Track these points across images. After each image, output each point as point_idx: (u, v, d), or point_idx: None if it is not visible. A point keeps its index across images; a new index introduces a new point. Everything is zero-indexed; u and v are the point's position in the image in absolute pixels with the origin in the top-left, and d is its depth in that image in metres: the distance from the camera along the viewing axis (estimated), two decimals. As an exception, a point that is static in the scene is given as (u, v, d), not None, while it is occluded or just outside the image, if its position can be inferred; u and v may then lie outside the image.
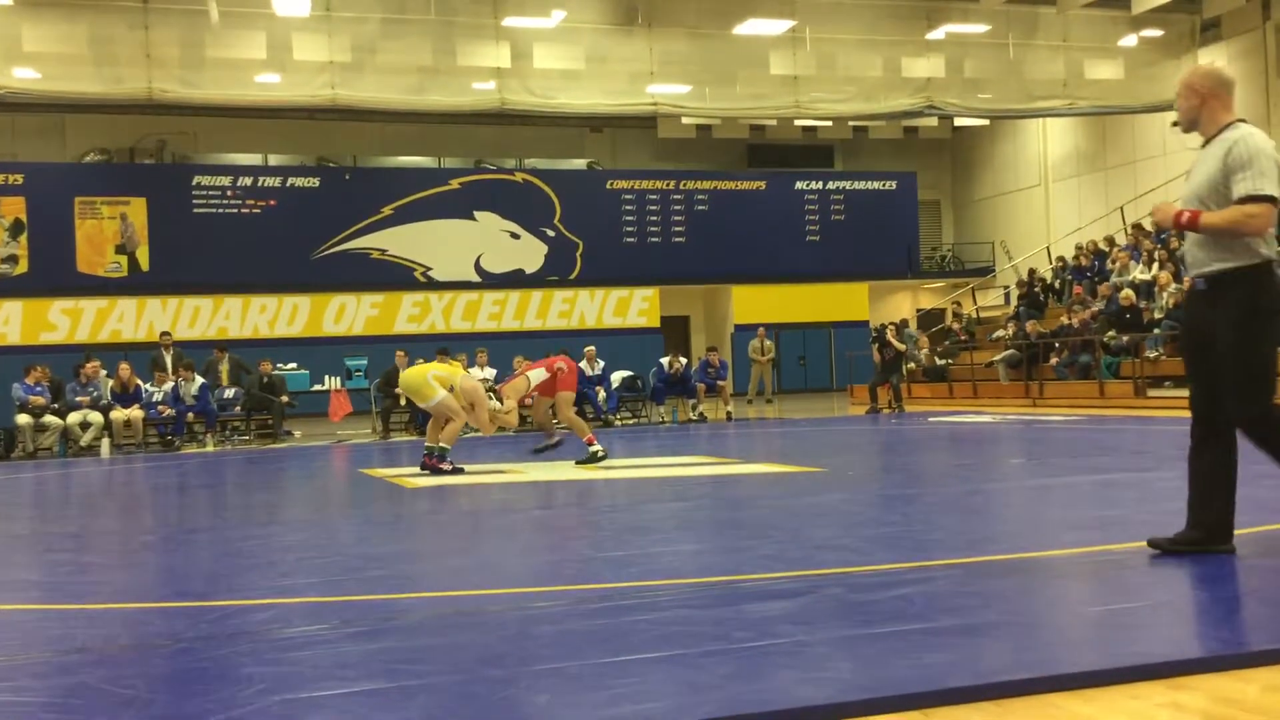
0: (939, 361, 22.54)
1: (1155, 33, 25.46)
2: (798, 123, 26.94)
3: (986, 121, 29.41)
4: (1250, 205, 4.27)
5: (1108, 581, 4.44)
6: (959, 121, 29.14)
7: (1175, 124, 4.82)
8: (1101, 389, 17.88)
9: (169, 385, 17.01)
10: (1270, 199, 4.27)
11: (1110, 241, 23.33)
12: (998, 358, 20.71)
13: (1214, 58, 25.82)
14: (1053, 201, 30.61)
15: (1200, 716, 2.76)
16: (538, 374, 10.94)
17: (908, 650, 3.39)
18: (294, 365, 19.79)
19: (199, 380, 17.30)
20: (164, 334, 19.69)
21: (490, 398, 10.74)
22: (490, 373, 18.34)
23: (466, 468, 10.29)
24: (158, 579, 5.53)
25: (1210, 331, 4.48)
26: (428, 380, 10.33)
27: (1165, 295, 18.38)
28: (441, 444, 10.13)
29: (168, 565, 5.92)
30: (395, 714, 2.91)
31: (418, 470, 10.16)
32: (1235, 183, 4.32)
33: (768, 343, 24.39)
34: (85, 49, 20.41)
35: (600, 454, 10.50)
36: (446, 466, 10.02)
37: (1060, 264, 24.38)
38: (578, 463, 10.45)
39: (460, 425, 10.35)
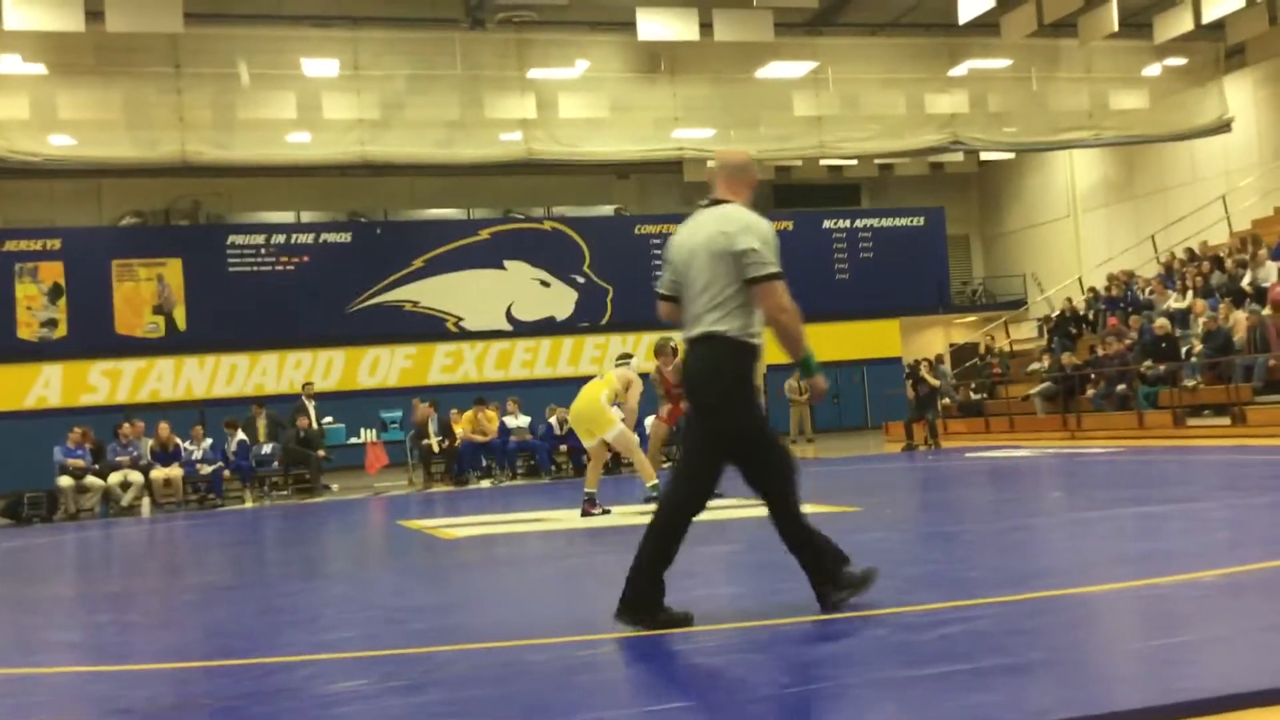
0: (974, 396, 22.38)
1: (1179, 61, 25.38)
2: (823, 162, 27.01)
3: (1012, 155, 29.36)
4: None
5: (1154, 616, 4.38)
6: (985, 156, 29.11)
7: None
8: (1140, 419, 17.69)
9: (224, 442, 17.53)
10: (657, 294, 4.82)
11: (1130, 275, 23.21)
12: (1033, 391, 20.55)
13: (1239, 85, 25.74)
14: (1083, 232, 30.45)
15: (1254, 752, 2.71)
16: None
17: (953, 691, 3.35)
18: (330, 419, 19.90)
19: (240, 436, 17.50)
20: (306, 384, 20.12)
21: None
22: (524, 420, 18.41)
23: (508, 516, 10.25)
24: (200, 637, 5.56)
25: None
26: (603, 407, 9.73)
27: (1200, 322, 18.21)
28: (654, 482, 9.72)
29: (210, 623, 5.95)
30: (439, 768, 2.91)
31: (579, 514, 9.76)
32: None
33: (803, 383, 24.30)
34: (119, 114, 20.80)
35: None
36: (596, 510, 9.66)
37: (1092, 295, 24.23)
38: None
39: (642, 457, 9.89)
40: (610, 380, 10.05)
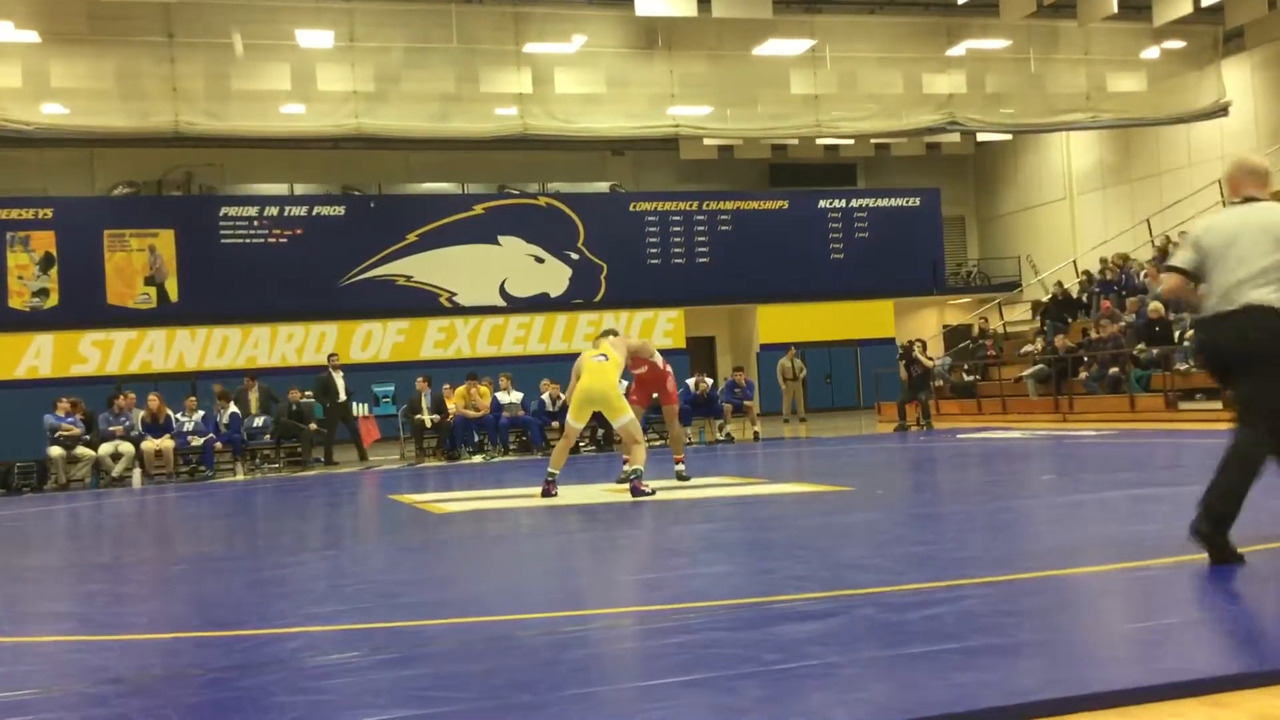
0: (966, 378, 22.40)
1: (1177, 44, 25.32)
2: (819, 141, 26.94)
3: (1009, 136, 29.31)
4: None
5: (1143, 598, 4.39)
6: (981, 137, 29.04)
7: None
8: (1132, 403, 17.72)
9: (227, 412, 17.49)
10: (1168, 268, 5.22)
11: (1124, 258, 23.18)
12: (1026, 373, 20.57)
13: (1237, 69, 25.69)
14: (1078, 215, 30.44)
15: (1240, 734, 2.72)
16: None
17: (941, 671, 3.36)
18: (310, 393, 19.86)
19: (231, 409, 17.46)
20: (332, 355, 19.98)
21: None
22: (517, 396, 18.40)
23: (499, 491, 10.26)
24: (190, 608, 5.56)
25: None
26: (619, 392, 9.88)
27: (1194, 307, 18.22)
28: (636, 467, 9.52)
29: (200, 594, 5.95)
30: (427, 741, 2.91)
31: (630, 495, 9.44)
32: None
33: (798, 362, 24.30)
34: (112, 84, 20.66)
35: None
36: (647, 488, 9.42)
37: (1086, 277, 24.24)
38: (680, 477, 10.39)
39: (644, 449, 9.81)
40: (616, 361, 10.06)
